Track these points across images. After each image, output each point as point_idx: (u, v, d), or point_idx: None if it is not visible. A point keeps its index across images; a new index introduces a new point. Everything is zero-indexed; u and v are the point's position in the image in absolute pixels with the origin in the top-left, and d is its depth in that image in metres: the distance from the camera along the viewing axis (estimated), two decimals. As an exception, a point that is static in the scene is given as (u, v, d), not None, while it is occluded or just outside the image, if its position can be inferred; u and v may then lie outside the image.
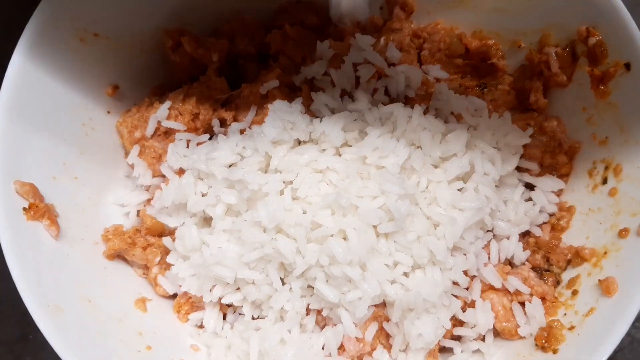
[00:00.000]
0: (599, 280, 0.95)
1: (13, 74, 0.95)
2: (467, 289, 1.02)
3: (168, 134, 1.13)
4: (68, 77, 1.05)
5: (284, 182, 0.99)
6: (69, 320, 0.90)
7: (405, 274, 0.97)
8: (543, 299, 1.02)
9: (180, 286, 1.06)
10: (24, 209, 0.93)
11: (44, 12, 0.97)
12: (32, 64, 0.98)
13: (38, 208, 0.94)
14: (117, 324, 0.99)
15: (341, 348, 0.97)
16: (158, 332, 1.03)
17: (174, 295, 1.10)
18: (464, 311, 1.01)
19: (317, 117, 1.06)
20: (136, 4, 1.10)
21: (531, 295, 1.02)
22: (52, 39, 1.00)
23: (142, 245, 1.09)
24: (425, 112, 1.07)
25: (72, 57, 1.05)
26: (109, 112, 1.14)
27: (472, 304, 1.01)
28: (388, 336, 1.00)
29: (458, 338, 1.03)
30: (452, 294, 1.01)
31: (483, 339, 1.02)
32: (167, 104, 1.12)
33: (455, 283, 1.00)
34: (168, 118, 1.12)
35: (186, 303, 1.08)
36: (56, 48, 1.02)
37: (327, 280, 0.96)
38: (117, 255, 1.08)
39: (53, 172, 1.02)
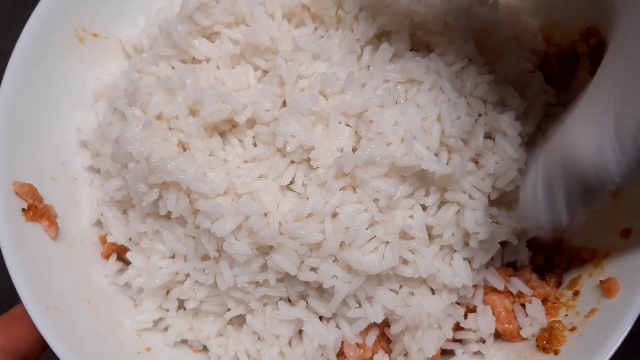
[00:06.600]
0: (600, 281, 0.94)
1: (12, 74, 0.95)
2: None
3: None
4: (67, 77, 1.05)
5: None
6: (69, 321, 0.90)
7: (412, 293, 0.95)
8: (545, 300, 1.01)
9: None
10: (23, 209, 0.93)
11: (43, 11, 0.97)
12: (31, 64, 0.98)
13: (37, 209, 0.94)
14: (117, 325, 0.99)
15: (341, 354, 0.97)
16: (158, 334, 1.03)
17: (174, 296, 1.10)
18: (465, 317, 0.99)
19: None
20: (136, 4, 1.09)
21: (532, 296, 1.01)
22: (51, 39, 1.00)
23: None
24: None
25: (72, 57, 1.05)
26: (108, 112, 1.14)
27: (474, 308, 1.01)
28: (389, 341, 0.99)
29: (459, 340, 1.03)
30: (455, 302, 0.99)
31: (484, 341, 1.02)
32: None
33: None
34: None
35: (186, 304, 1.08)
36: (55, 48, 1.01)
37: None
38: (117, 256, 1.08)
39: (52, 172, 1.02)
